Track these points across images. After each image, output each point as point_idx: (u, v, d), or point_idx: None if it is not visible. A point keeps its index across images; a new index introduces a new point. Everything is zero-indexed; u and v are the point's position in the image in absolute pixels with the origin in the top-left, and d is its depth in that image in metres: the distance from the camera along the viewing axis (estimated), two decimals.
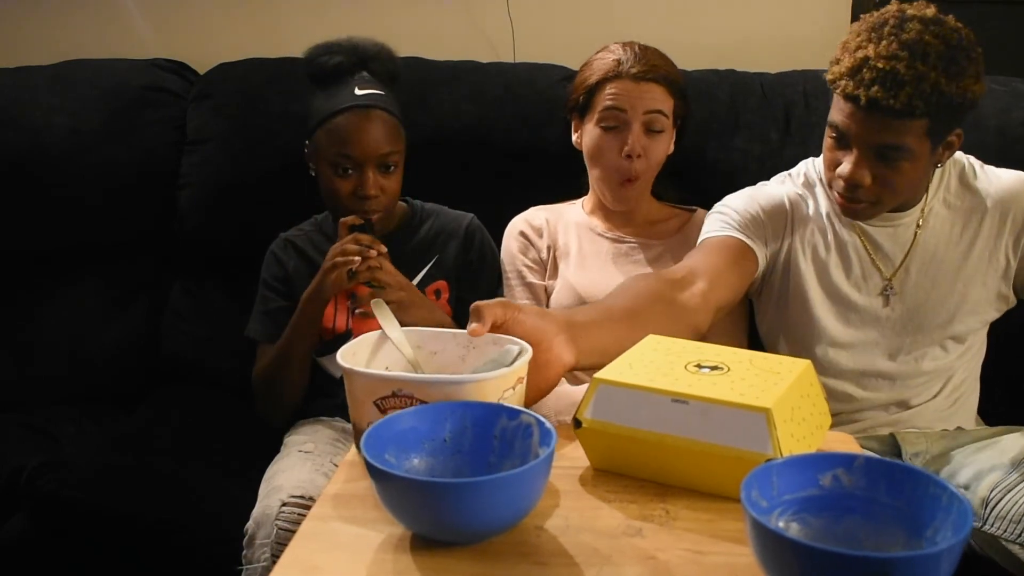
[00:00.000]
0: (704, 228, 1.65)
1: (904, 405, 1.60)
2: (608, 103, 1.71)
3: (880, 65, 1.34)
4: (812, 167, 1.68)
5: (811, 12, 2.27)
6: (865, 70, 1.35)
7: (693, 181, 1.94)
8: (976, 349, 1.66)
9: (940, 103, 1.34)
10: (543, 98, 2.04)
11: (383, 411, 1.07)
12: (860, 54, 1.37)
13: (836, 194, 1.51)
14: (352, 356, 1.14)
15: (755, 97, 2.03)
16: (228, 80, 2.16)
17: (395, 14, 2.33)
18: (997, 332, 1.71)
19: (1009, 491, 1.34)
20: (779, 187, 1.67)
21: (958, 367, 1.62)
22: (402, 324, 1.23)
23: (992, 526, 1.35)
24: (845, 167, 1.44)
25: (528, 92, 2.07)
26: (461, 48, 2.22)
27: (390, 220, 1.77)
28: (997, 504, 1.34)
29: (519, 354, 1.12)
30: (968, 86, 1.36)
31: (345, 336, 1.70)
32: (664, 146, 1.75)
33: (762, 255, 1.59)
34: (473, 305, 1.15)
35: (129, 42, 2.35)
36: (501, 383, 1.08)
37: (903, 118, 1.36)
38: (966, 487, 1.40)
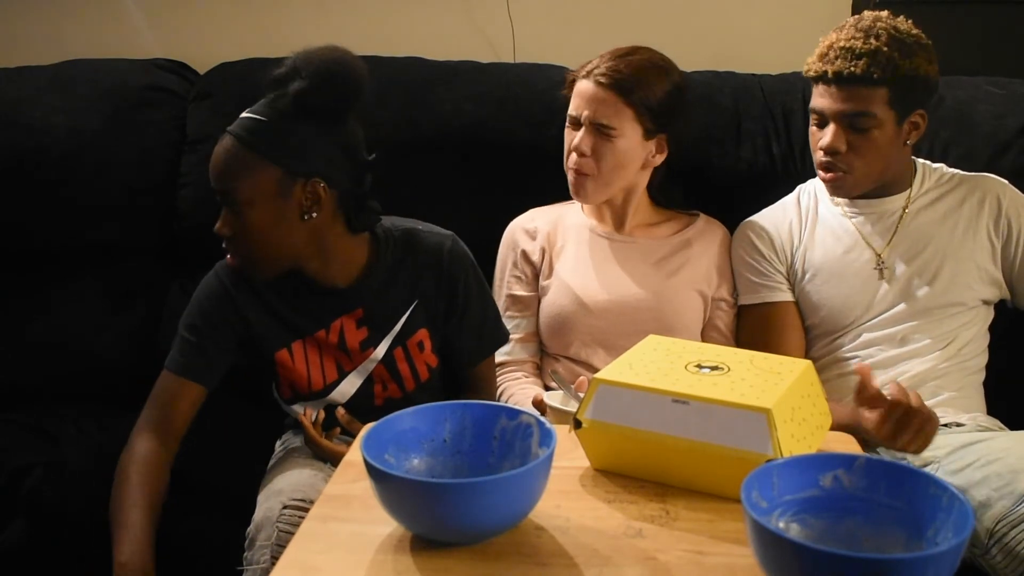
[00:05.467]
0: (742, 289, 1.79)
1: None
2: (572, 103, 1.74)
3: (841, 44, 1.61)
4: (801, 188, 1.84)
5: (811, 12, 2.27)
6: (830, 52, 1.62)
7: (696, 188, 1.94)
8: (966, 345, 1.68)
9: (896, 74, 1.58)
10: (543, 98, 2.04)
11: None
12: (826, 43, 1.64)
13: (820, 172, 1.70)
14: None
15: (757, 104, 2.03)
16: (228, 80, 2.15)
17: (395, 14, 2.33)
18: (997, 334, 1.72)
19: (1014, 527, 1.34)
20: (778, 213, 1.82)
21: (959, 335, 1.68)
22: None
23: (995, 558, 1.37)
24: (824, 139, 1.65)
25: (528, 92, 2.06)
26: (461, 48, 2.22)
27: (349, 267, 1.55)
28: (1002, 538, 1.35)
29: None
30: (920, 65, 1.61)
31: (322, 392, 1.58)
32: (619, 154, 1.71)
33: (789, 288, 1.78)
34: None
35: (129, 42, 2.35)
36: None
37: (865, 85, 1.59)
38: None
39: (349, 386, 1.59)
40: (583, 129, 1.71)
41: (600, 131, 1.70)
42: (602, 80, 1.69)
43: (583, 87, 1.72)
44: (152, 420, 1.51)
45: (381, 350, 1.58)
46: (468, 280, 1.61)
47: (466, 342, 1.64)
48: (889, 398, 1.38)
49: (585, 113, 1.70)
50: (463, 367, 1.66)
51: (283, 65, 1.47)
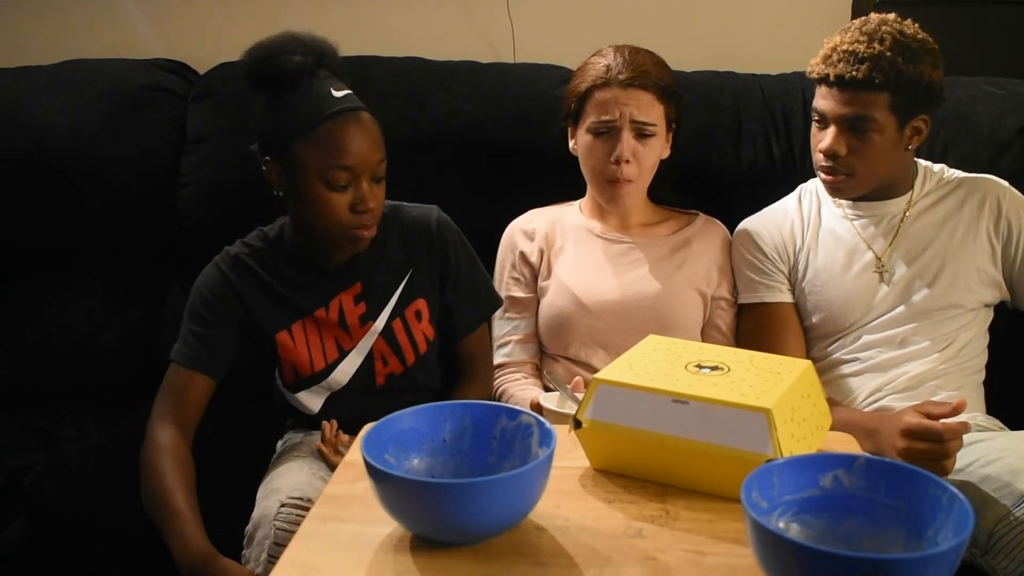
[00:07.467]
0: (742, 287, 1.79)
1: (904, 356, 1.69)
2: (597, 111, 1.70)
3: (845, 48, 1.60)
4: (802, 188, 1.84)
5: (811, 12, 2.27)
6: (834, 55, 1.61)
7: (696, 188, 1.94)
8: (965, 347, 1.68)
9: (899, 79, 1.58)
10: (543, 99, 2.04)
11: None
12: (830, 45, 1.64)
13: (821, 174, 1.70)
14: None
15: (757, 104, 2.03)
16: (228, 80, 2.15)
17: (395, 14, 2.33)
18: (997, 334, 1.72)
19: (1014, 527, 1.34)
20: (779, 213, 1.82)
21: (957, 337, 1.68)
22: None
23: (994, 559, 1.36)
24: (824, 141, 1.65)
25: (528, 92, 2.07)
26: (461, 48, 2.22)
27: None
28: (1001, 539, 1.35)
29: None
30: (924, 71, 1.59)
31: (323, 374, 1.60)
32: (656, 151, 1.73)
33: (790, 289, 1.78)
34: None
35: (129, 42, 2.35)
36: None
37: (867, 89, 1.58)
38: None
39: (350, 365, 1.60)
40: (625, 134, 1.68)
41: (640, 132, 1.69)
42: (634, 82, 1.67)
43: (610, 94, 1.68)
44: (168, 412, 1.52)
45: (380, 323, 1.60)
46: (458, 246, 1.66)
47: (463, 308, 1.67)
48: (939, 425, 1.40)
49: (629, 115, 1.67)
50: (460, 339, 1.68)
51: (308, 51, 1.55)
